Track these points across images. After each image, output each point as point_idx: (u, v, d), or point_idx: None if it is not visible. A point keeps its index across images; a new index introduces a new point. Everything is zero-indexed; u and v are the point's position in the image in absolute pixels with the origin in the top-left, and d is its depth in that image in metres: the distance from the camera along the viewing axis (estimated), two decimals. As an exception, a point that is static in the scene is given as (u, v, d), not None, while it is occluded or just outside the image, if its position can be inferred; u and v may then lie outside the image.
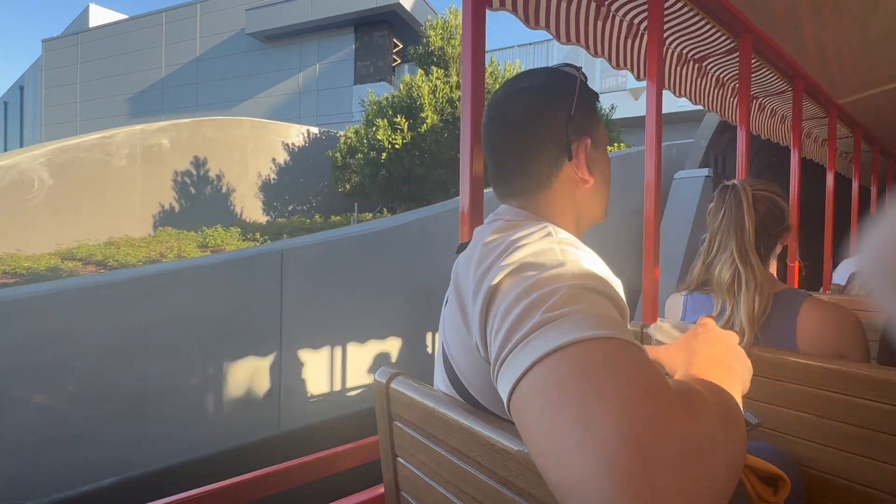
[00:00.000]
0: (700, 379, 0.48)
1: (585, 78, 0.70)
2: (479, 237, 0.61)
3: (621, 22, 2.01)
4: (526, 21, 1.66)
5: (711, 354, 0.56)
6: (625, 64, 2.08)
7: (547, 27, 1.74)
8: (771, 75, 2.60)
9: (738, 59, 2.24)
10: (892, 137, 4.36)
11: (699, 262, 1.19)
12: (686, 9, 1.92)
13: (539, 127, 0.65)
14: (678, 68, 2.43)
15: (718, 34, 2.14)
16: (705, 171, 4.49)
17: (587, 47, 1.90)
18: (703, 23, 2.04)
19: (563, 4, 1.77)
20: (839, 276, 2.83)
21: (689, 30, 2.11)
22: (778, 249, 1.18)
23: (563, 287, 0.44)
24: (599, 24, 1.94)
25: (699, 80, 2.59)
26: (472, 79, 1.08)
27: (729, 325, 1.10)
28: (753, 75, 2.57)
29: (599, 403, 0.35)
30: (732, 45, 2.24)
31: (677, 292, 1.28)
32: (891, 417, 0.85)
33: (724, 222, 1.13)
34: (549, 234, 0.54)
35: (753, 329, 1.06)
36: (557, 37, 1.78)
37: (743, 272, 1.08)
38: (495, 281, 0.50)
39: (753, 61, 2.36)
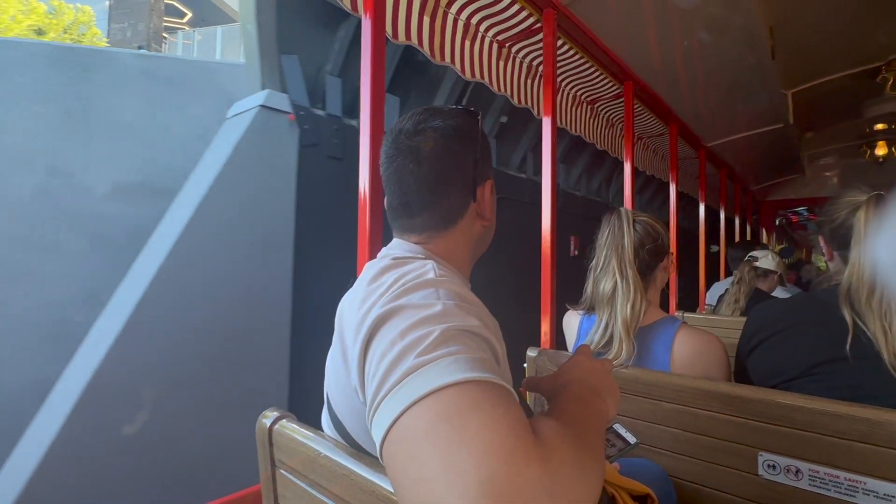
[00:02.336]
0: (566, 409, 0.51)
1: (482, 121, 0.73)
2: (365, 276, 0.61)
3: (521, 63, 2.16)
4: (431, 56, 1.72)
5: (582, 383, 0.59)
6: (525, 101, 2.22)
7: (452, 62, 1.81)
8: (651, 119, 2.92)
9: (623, 103, 2.49)
10: (748, 176, 5.09)
11: (590, 279, 1.29)
12: (578, 56, 2.11)
13: (452, 167, 0.67)
14: (573, 109, 2.65)
15: (606, 80, 2.37)
16: (260, 99, 2.12)
17: (490, 84, 2.01)
18: (592, 69, 2.25)
19: (468, 43, 1.86)
20: (711, 296, 3.19)
21: (581, 75, 2.31)
22: (660, 278, 1.29)
23: (436, 330, 0.45)
24: (501, 63, 2.06)
25: (592, 120, 2.84)
26: (372, 112, 1.08)
27: (608, 337, 1.19)
28: (637, 118, 2.87)
29: (460, 450, 0.35)
30: (618, 90, 2.50)
31: (574, 310, 1.36)
32: (744, 429, 0.96)
33: (607, 241, 1.25)
34: (429, 275, 0.55)
35: (630, 339, 1.15)
36: (462, 72, 1.87)
37: (620, 284, 1.19)
38: (373, 323, 0.49)
39: (636, 106, 2.64)
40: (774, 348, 1.03)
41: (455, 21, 1.77)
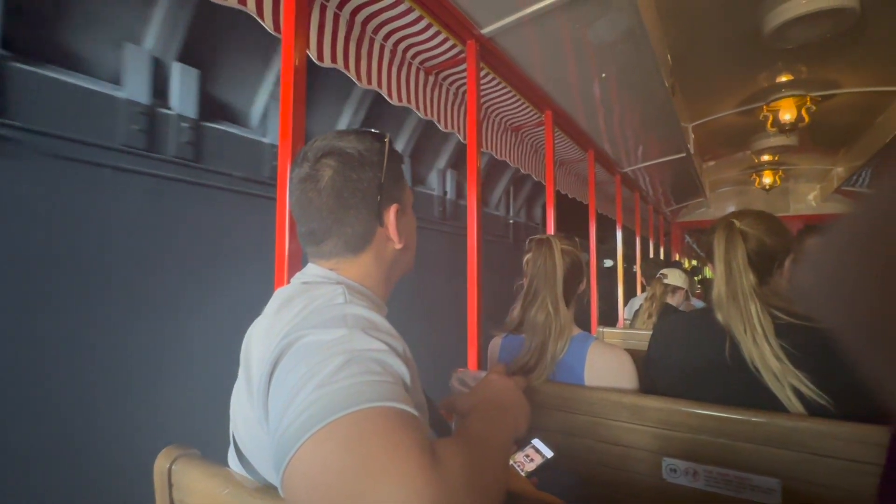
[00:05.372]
0: (470, 429, 0.53)
1: (392, 143, 0.74)
2: (273, 304, 0.60)
3: (447, 90, 2.23)
4: (358, 79, 1.73)
5: (491, 403, 0.62)
6: (452, 126, 2.29)
7: (379, 86, 1.84)
8: (570, 145, 3.11)
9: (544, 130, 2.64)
10: (659, 200, 5.53)
11: (518, 305, 1.32)
12: (500, 85, 2.22)
13: (352, 194, 0.65)
14: (500, 135, 2.76)
15: (528, 108, 2.51)
16: None
17: (417, 108, 2.05)
18: (514, 98, 2.37)
19: (394, 69, 1.89)
20: (628, 311, 3.41)
21: (504, 103, 2.43)
22: (576, 299, 1.36)
23: (338, 357, 0.45)
24: (429, 90, 2.12)
25: (517, 146, 2.98)
26: (293, 134, 1.07)
27: (535, 361, 1.23)
28: (558, 144, 3.04)
29: (359, 476, 0.36)
30: (540, 118, 2.64)
31: (497, 335, 1.40)
32: (648, 436, 1.03)
33: (539, 270, 1.28)
34: (337, 300, 0.55)
35: (552, 367, 1.21)
36: (389, 96, 1.89)
37: (553, 317, 1.24)
38: (278, 352, 0.49)
39: (556, 132, 2.80)
40: (671, 358, 1.12)
41: (381, 47, 1.81)
